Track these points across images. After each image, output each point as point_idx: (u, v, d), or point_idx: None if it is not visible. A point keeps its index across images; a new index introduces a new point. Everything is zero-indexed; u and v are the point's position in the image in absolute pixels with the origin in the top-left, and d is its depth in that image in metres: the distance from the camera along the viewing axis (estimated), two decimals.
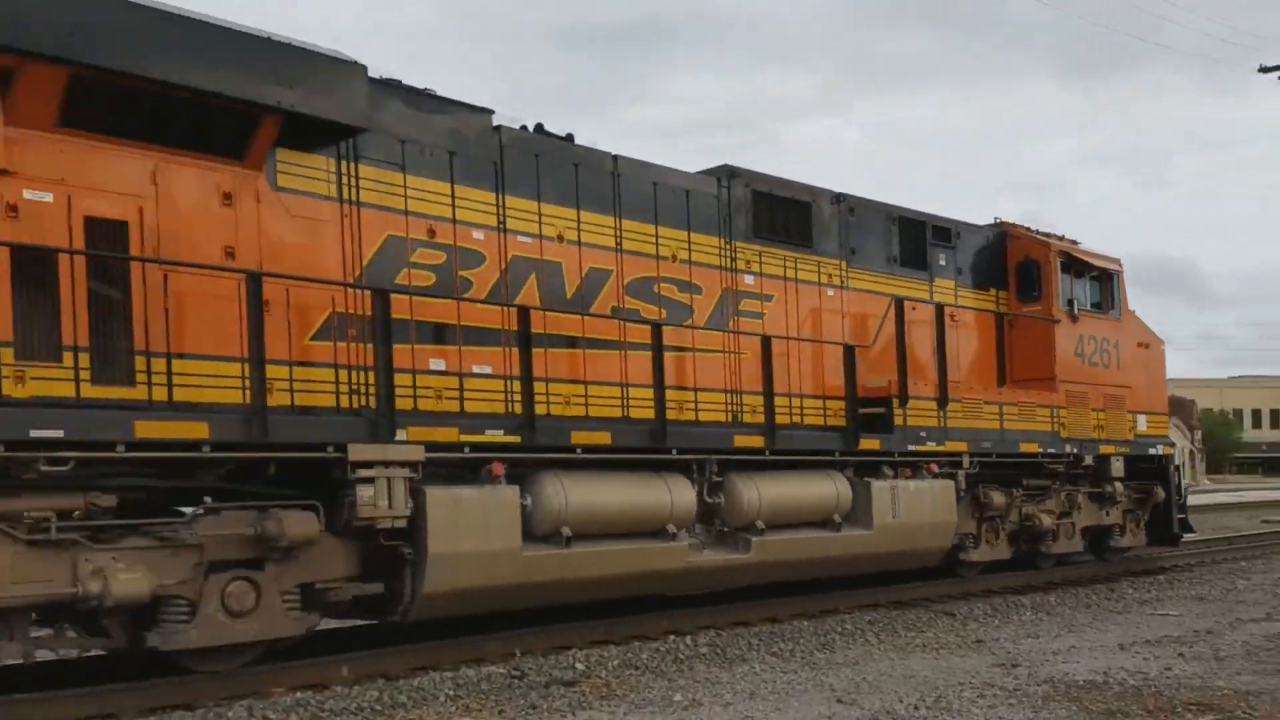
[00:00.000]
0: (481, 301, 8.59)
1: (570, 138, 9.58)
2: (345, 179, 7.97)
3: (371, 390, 7.68)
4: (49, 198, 6.60)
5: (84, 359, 6.57)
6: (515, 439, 8.32)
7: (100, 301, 6.71)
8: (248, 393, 7.03)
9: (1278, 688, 7.13)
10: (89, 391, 6.57)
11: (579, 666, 7.67)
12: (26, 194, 6.51)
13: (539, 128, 9.39)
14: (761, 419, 10.20)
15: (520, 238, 9.00)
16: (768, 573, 10.36)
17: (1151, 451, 14.69)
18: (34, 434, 6.18)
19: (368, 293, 7.76)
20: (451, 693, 7.06)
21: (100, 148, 6.85)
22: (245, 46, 7.21)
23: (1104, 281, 14.29)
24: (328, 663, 7.43)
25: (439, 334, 8.32)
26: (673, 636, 8.90)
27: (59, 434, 6.26)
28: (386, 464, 7.45)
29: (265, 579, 7.12)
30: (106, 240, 6.79)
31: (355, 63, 7.71)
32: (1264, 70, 35.35)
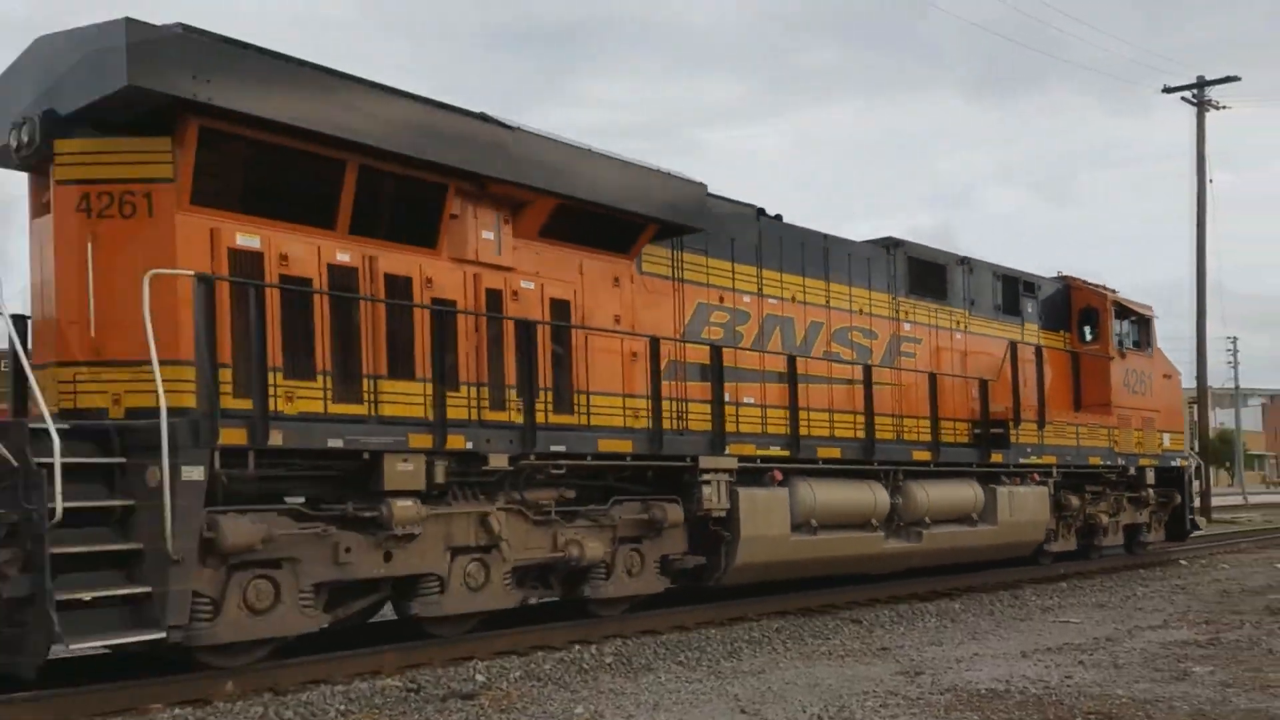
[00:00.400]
0: (766, 353, 11.60)
1: (779, 217, 12.29)
2: (675, 263, 10.96)
3: (686, 415, 10.62)
4: (532, 286, 9.46)
5: (549, 397, 9.38)
6: (787, 453, 11.39)
7: (557, 357, 9.55)
8: (648, 419, 10.10)
9: (1174, 696, 7.21)
10: (559, 419, 9.42)
11: (479, 678, 7.41)
12: (522, 284, 9.37)
13: (778, 217, 12.27)
14: (927, 438, 13.28)
15: (769, 300, 11.91)
16: (930, 558, 13.39)
17: (1173, 464, 17.94)
18: (552, 448, 9.11)
19: (687, 343, 10.80)
20: (342, 708, 6.75)
21: (557, 250, 9.73)
22: (640, 176, 10.09)
23: (1141, 324, 17.46)
24: (210, 677, 7.05)
25: (729, 375, 10.98)
26: (578, 646, 8.68)
27: (563, 448, 9.22)
28: (717, 471, 10.43)
29: (646, 550, 10.07)
30: (561, 314, 9.65)
31: (702, 184, 10.70)
32: (1167, 90, 36.64)
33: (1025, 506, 14.35)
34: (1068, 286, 16.69)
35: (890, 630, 10.44)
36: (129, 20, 6.96)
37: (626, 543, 9.85)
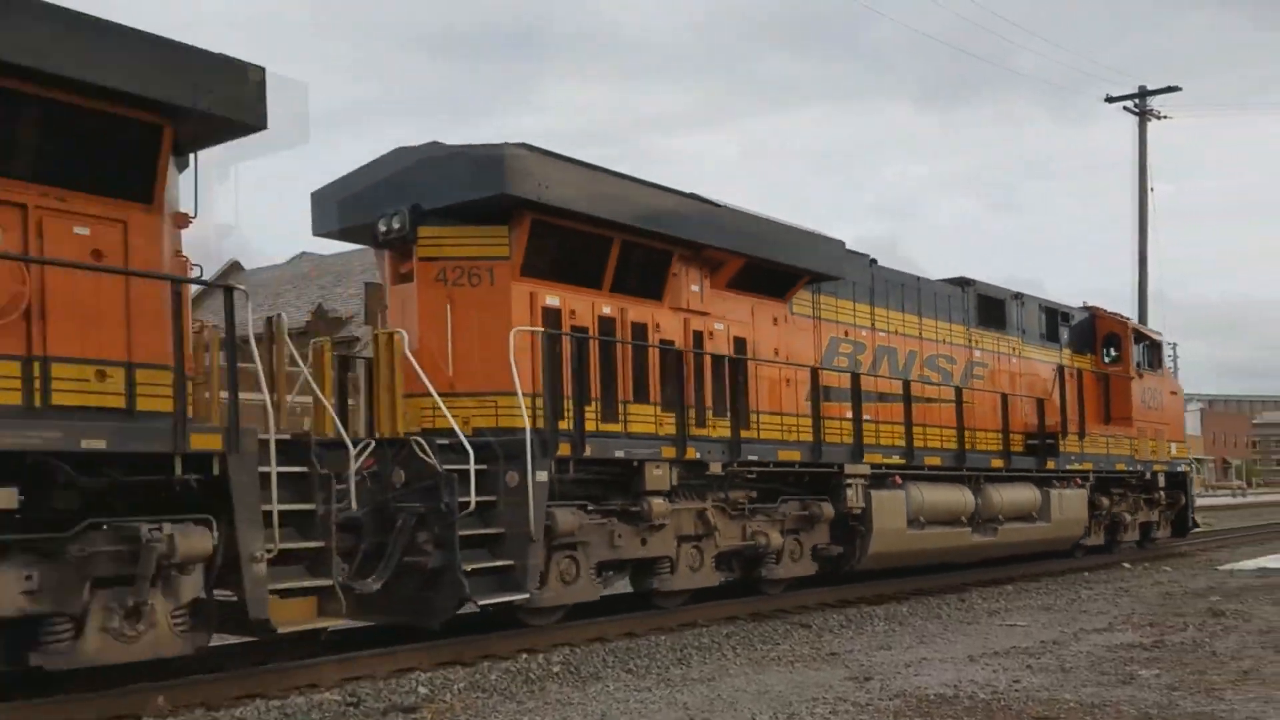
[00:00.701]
0: (879, 376, 14.06)
1: (875, 260, 14.67)
2: (815, 304, 13.47)
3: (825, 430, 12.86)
4: (722, 327, 11.95)
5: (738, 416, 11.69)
6: (903, 462, 13.83)
7: (740, 384, 11.93)
8: (799, 433, 12.65)
9: (1121, 700, 7.22)
10: (745, 435, 11.77)
11: (422, 690, 7.22)
12: (715, 325, 11.84)
13: (873, 261, 14.63)
14: (997, 448, 15.86)
15: (879, 333, 14.42)
16: (1003, 550, 16.04)
17: (1179, 469, 20.93)
18: (749, 456, 11.56)
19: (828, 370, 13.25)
20: None
21: (738, 297, 12.21)
22: (801, 237, 12.58)
23: (1153, 348, 20.62)
24: (141, 690, 6.80)
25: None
26: (525, 655, 8.52)
27: (755, 457, 11.69)
28: (856, 475, 12.86)
29: (804, 540, 12.50)
30: (740, 349, 12.12)
31: (841, 241, 13.20)
32: (1110, 100, 37.23)
33: (1071, 506, 17.11)
34: (1093, 315, 19.42)
35: (839, 635, 10.40)
36: (507, 145, 9.63)
37: (790, 534, 12.27)
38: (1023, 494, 15.99)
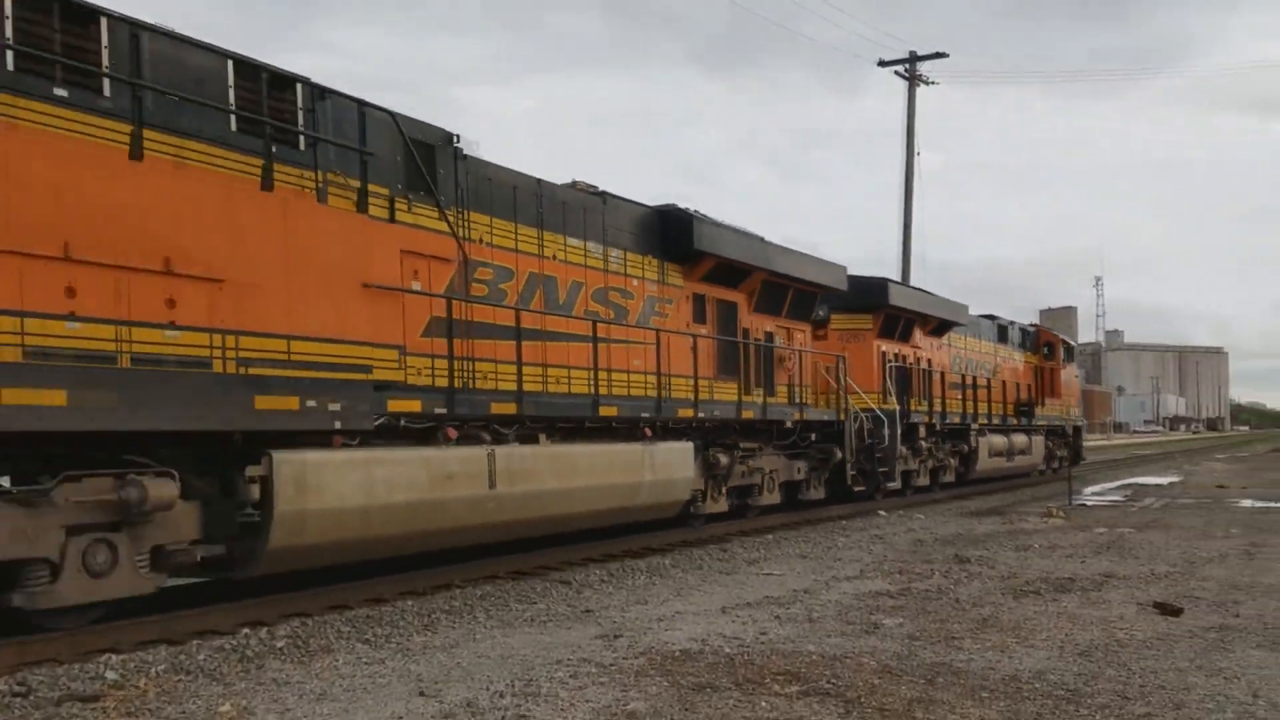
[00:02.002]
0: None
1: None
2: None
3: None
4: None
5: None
6: None
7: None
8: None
9: (863, 651, 7.24)
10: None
11: (110, 675, 6.37)
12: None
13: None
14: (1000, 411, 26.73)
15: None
16: (1016, 470, 27.43)
17: (1077, 424, 33.36)
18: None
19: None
20: None
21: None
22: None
23: (1069, 349, 33.06)
24: None
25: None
26: (247, 630, 7.72)
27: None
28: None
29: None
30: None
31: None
32: (882, 64, 38.49)
33: (1040, 446, 28.90)
34: (1038, 329, 32.52)
35: (599, 590, 10.15)
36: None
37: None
38: (1018, 436, 26.94)
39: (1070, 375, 32.71)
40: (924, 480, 22.08)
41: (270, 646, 7.38)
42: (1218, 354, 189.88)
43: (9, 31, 6.74)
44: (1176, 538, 14.16)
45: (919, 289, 22.84)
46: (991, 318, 27.85)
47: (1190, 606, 8.73)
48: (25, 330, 6.60)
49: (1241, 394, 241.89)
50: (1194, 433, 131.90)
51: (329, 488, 8.32)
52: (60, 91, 7.00)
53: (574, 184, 12.87)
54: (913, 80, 37.36)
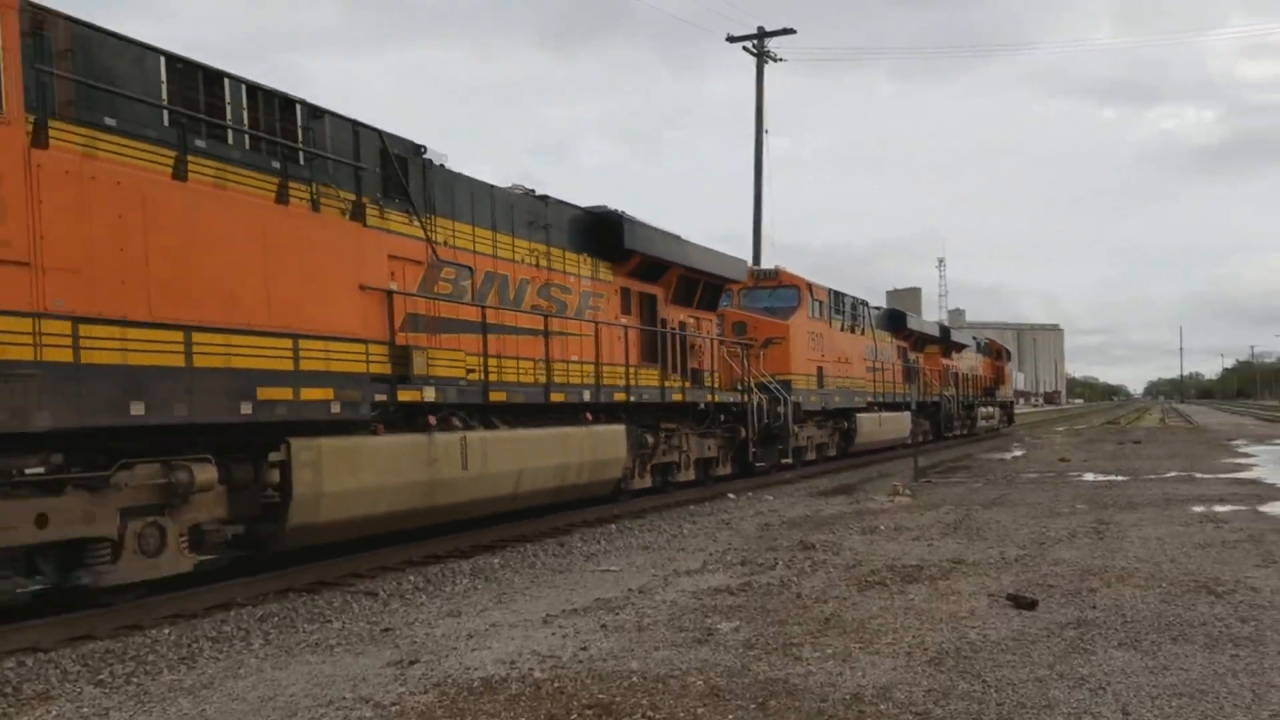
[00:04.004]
0: None
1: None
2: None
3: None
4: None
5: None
6: None
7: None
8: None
9: (691, 667, 6.33)
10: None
11: None
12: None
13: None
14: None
15: None
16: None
17: (1009, 401, 50.28)
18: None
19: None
20: None
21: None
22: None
23: (1009, 354, 51.18)
24: None
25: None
26: None
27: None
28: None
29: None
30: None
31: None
32: (731, 39, 37.96)
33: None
34: (990, 342, 45.38)
35: (409, 602, 9.00)
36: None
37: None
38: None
39: (1010, 370, 50.86)
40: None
41: None
42: (1054, 330, 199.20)
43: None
44: (1025, 516, 13.83)
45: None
46: (944, 328, 38.42)
47: (1045, 597, 8.15)
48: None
49: (1075, 369, 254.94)
50: (1034, 406, 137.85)
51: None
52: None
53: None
54: (761, 56, 36.96)
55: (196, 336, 8.09)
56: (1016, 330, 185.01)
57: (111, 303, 7.46)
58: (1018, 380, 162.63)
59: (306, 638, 7.63)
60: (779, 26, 37.48)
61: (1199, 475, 19.81)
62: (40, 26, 7.32)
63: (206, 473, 8.36)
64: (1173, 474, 20.29)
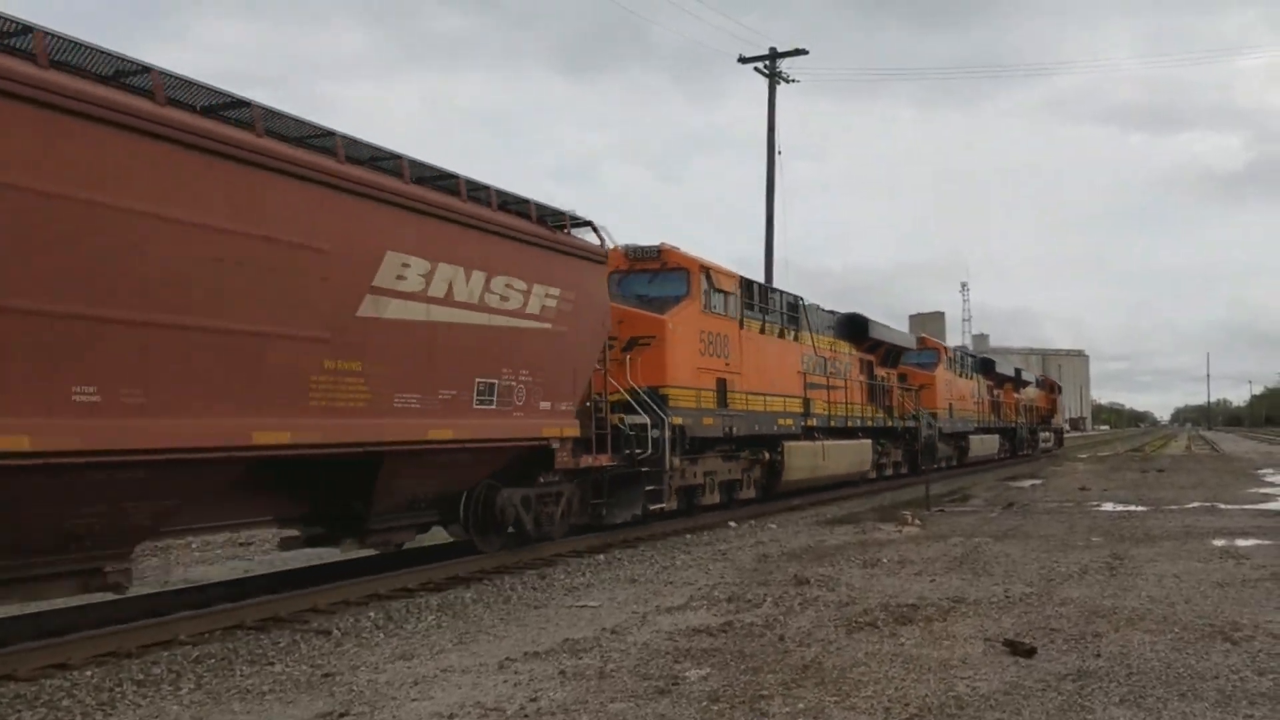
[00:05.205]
0: None
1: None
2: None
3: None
4: None
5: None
6: None
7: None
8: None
9: None
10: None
11: None
12: None
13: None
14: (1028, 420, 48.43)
15: None
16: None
17: (1058, 428, 61.96)
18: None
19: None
20: None
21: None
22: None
23: (1058, 386, 62.00)
24: None
25: None
26: None
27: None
28: None
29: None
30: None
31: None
32: (743, 60, 37.48)
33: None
34: (1046, 378, 59.82)
35: (363, 641, 8.41)
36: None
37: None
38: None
39: (1061, 401, 60.45)
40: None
41: None
42: (1079, 356, 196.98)
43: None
44: (1036, 549, 13.11)
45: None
46: (1017, 370, 46.55)
47: (1045, 643, 7.47)
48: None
49: (1101, 394, 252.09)
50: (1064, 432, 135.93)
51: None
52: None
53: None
54: (773, 77, 36.48)
55: (773, 398, 19.16)
56: (1042, 355, 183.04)
57: (749, 383, 18.10)
58: None
59: (240, 683, 7.05)
60: (798, 50, 36.92)
61: (1222, 506, 19.00)
62: (746, 287, 18.70)
63: (763, 456, 18.96)
64: (1195, 504, 19.48)
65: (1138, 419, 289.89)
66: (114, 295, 7.14)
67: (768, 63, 36.54)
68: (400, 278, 9.86)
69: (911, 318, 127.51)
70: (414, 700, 6.44)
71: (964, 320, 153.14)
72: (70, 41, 7.37)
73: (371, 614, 9.44)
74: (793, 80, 36.99)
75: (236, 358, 8.07)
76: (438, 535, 13.23)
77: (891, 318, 44.02)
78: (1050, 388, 56.66)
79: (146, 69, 7.78)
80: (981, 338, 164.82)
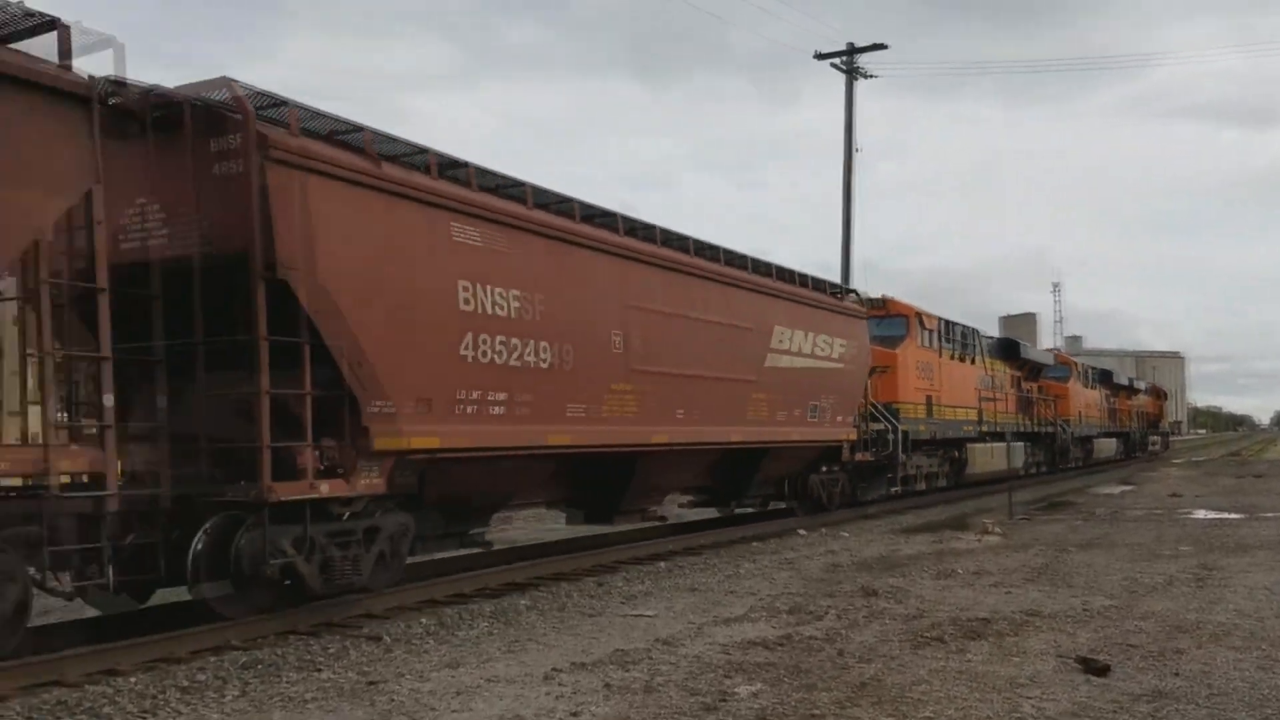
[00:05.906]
0: None
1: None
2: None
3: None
4: None
5: None
6: None
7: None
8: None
9: None
10: None
11: None
12: None
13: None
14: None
15: None
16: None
17: (1166, 432, 67.27)
18: None
19: None
20: None
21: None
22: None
23: (1164, 393, 66.31)
24: None
25: None
26: None
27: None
28: None
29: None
30: None
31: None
32: (819, 57, 36.93)
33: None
34: (1154, 386, 61.93)
35: (413, 648, 8.28)
36: None
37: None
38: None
39: (1168, 407, 65.14)
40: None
41: None
42: (1175, 358, 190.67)
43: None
44: (1121, 558, 12.52)
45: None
46: (1130, 380, 52.19)
47: (1123, 659, 7.02)
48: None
49: (1198, 397, 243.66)
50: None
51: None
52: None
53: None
54: (851, 73, 35.86)
55: (959, 409, 23.89)
56: (1135, 358, 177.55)
57: (945, 398, 23.28)
58: None
59: (285, 689, 6.96)
60: (876, 44, 36.26)
61: None
62: (943, 325, 23.98)
63: (953, 454, 23.54)
64: None
65: (1236, 422, 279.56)
66: (688, 363, 13.64)
67: (845, 59, 35.95)
68: (780, 340, 15.94)
69: (1002, 319, 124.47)
70: (454, 712, 6.27)
71: (1056, 322, 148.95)
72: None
73: (424, 619, 9.32)
74: (871, 76, 36.35)
75: (722, 392, 14.43)
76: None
77: (978, 319, 47.11)
78: (1157, 394, 60.96)
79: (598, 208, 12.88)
80: (1075, 339, 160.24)
